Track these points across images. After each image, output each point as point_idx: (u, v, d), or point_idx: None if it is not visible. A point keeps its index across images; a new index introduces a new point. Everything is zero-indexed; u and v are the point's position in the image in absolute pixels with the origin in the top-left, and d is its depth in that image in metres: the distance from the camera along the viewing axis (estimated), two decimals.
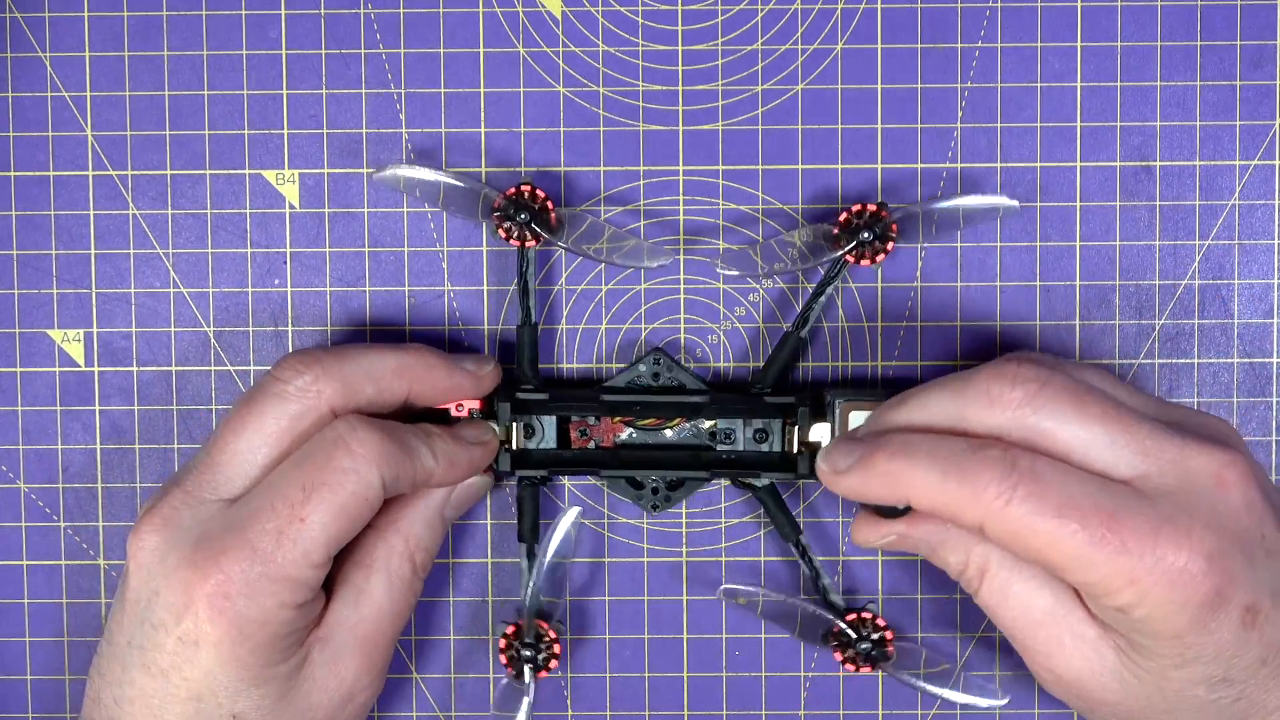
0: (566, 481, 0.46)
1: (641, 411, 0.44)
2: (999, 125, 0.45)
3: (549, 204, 0.43)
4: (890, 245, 0.43)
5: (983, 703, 0.44)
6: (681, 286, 0.46)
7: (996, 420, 0.36)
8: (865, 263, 0.43)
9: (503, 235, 0.43)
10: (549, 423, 0.44)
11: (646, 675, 0.46)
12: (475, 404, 0.43)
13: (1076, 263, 0.45)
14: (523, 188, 0.43)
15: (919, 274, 0.45)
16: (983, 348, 0.45)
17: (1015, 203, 0.43)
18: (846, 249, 0.43)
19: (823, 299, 0.44)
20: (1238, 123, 0.45)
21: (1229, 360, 0.45)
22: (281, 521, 0.38)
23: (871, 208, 0.43)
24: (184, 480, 0.40)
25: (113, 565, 0.46)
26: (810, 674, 0.46)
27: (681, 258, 0.46)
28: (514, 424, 0.43)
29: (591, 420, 0.44)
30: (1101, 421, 0.36)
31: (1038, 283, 0.45)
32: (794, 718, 0.46)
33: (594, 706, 0.46)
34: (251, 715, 0.39)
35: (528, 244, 0.43)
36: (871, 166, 0.45)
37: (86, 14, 0.45)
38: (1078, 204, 0.45)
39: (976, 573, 0.39)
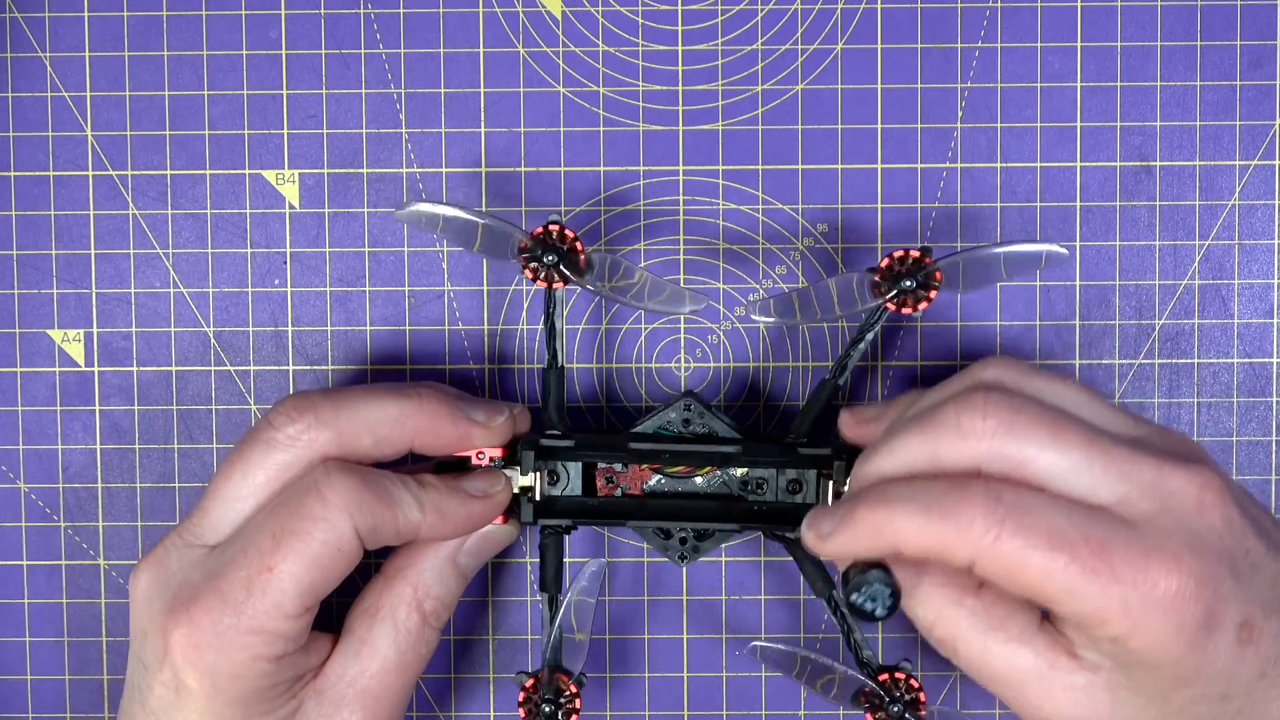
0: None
1: (670, 460, 0.42)
2: (999, 125, 0.45)
3: (578, 245, 0.41)
4: (933, 293, 0.40)
5: None
6: (682, 286, 0.45)
7: (972, 453, 0.35)
8: (906, 310, 0.41)
9: (529, 276, 0.41)
10: (574, 469, 0.43)
11: (647, 675, 0.46)
12: (497, 451, 0.41)
13: (1077, 263, 0.45)
14: (550, 227, 0.41)
15: None
16: (983, 348, 0.45)
17: (1064, 250, 0.41)
18: (887, 297, 0.40)
19: (862, 346, 0.41)
20: (1238, 123, 0.45)
21: (1229, 360, 0.45)
22: (251, 571, 0.37)
23: (915, 253, 0.40)
24: (182, 522, 0.39)
25: (112, 565, 0.46)
26: None
27: (681, 257, 0.45)
28: (537, 472, 0.41)
29: (618, 467, 0.43)
30: (1079, 447, 0.35)
31: (1038, 283, 0.45)
32: (794, 718, 0.46)
33: (594, 706, 0.46)
34: None
35: (555, 285, 0.41)
36: (871, 166, 0.45)
37: (86, 14, 0.45)
38: (1078, 204, 0.45)
39: (948, 638, 0.37)
